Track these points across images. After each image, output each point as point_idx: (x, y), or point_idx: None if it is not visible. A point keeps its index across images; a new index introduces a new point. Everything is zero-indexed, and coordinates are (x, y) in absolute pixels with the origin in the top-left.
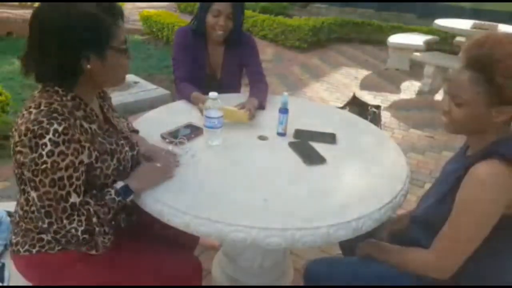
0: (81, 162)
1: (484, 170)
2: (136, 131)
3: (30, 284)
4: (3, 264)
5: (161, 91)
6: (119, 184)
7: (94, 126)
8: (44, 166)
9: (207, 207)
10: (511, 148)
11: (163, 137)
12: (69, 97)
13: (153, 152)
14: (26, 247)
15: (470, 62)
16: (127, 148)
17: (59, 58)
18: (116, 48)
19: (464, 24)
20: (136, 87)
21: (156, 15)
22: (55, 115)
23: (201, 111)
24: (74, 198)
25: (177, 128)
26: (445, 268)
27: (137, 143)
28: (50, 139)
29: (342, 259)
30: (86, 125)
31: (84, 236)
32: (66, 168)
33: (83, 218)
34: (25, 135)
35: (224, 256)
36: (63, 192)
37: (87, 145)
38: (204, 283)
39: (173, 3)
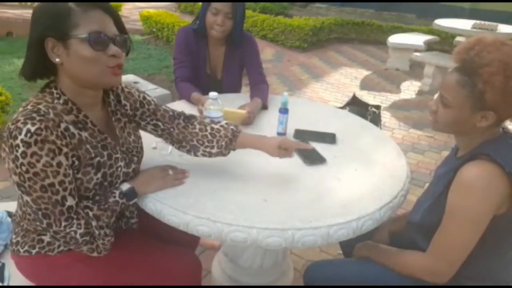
0: (59, 163)
1: (471, 172)
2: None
3: (30, 284)
4: (3, 264)
5: (161, 91)
6: (125, 186)
7: (85, 134)
8: (24, 168)
9: (207, 207)
10: (498, 149)
11: None
12: (61, 101)
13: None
14: (26, 247)
15: (458, 65)
16: (121, 164)
17: (29, 49)
18: (79, 37)
19: (464, 24)
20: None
21: (156, 15)
22: (34, 115)
23: (200, 112)
24: (70, 201)
25: None
26: (442, 273)
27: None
28: (22, 140)
29: (342, 261)
30: (74, 130)
31: (84, 238)
32: (53, 173)
33: (82, 221)
34: (6, 133)
35: (224, 256)
36: (58, 197)
37: (64, 149)
38: (204, 283)
39: (173, 3)
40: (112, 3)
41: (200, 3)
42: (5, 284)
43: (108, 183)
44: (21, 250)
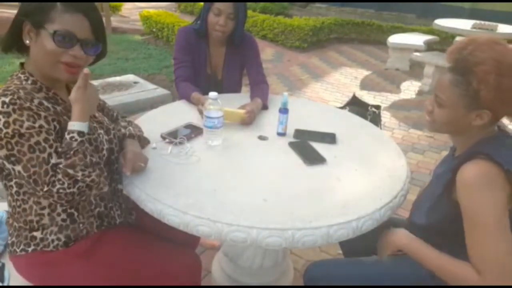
0: (41, 125)
1: (470, 172)
2: (133, 136)
3: (30, 283)
4: (3, 264)
5: (161, 91)
6: (73, 126)
7: (59, 108)
8: (9, 135)
9: (207, 207)
10: (495, 148)
11: (163, 137)
12: (29, 82)
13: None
14: (22, 246)
15: (452, 64)
16: (101, 131)
17: (11, 25)
18: (49, 31)
19: (464, 24)
20: (136, 87)
21: (156, 15)
22: (5, 92)
23: (200, 112)
24: (55, 159)
25: (177, 128)
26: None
27: (113, 128)
28: (0, 112)
29: (342, 261)
30: (48, 104)
31: (77, 188)
32: (37, 132)
33: (60, 175)
34: None
35: (224, 256)
36: (45, 155)
37: (43, 113)
38: (204, 283)
39: (173, 3)
40: (112, 3)
41: (200, 3)
42: (5, 284)
43: (95, 148)
44: (18, 250)
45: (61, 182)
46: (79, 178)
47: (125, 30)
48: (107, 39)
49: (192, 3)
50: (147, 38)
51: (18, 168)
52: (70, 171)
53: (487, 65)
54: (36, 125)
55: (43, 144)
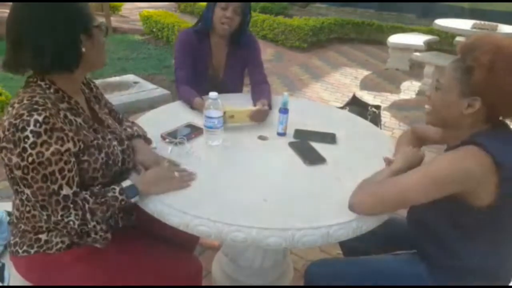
0: (67, 150)
1: (460, 150)
2: (140, 136)
3: (30, 284)
4: (3, 264)
5: (161, 91)
6: (126, 183)
7: (79, 120)
8: (31, 159)
9: (207, 207)
10: (487, 139)
11: (163, 137)
12: (52, 90)
13: (153, 162)
14: (25, 247)
15: (457, 53)
16: (115, 143)
17: (58, 46)
18: (97, 26)
19: (464, 24)
20: (136, 87)
21: (156, 15)
22: (35, 106)
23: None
24: (66, 191)
25: (177, 128)
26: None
27: (128, 139)
28: (31, 131)
29: (343, 260)
30: (71, 117)
31: (82, 227)
32: (56, 160)
33: (80, 212)
34: (8, 130)
35: (224, 256)
36: (55, 186)
37: (71, 134)
38: (204, 283)
39: (173, 3)
40: (112, 3)
41: (200, 3)
42: (5, 284)
43: (112, 162)
44: (20, 251)
45: (77, 217)
46: (89, 226)
47: (125, 30)
48: (108, 39)
49: (192, 3)
50: (147, 38)
51: (27, 191)
52: (87, 216)
53: (486, 48)
54: (63, 149)
55: (57, 175)
